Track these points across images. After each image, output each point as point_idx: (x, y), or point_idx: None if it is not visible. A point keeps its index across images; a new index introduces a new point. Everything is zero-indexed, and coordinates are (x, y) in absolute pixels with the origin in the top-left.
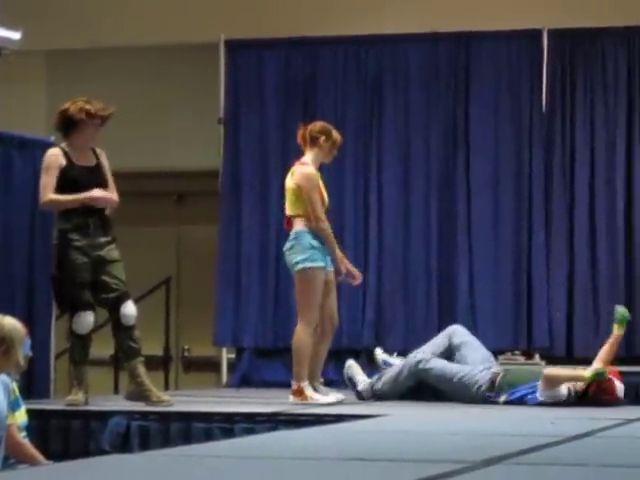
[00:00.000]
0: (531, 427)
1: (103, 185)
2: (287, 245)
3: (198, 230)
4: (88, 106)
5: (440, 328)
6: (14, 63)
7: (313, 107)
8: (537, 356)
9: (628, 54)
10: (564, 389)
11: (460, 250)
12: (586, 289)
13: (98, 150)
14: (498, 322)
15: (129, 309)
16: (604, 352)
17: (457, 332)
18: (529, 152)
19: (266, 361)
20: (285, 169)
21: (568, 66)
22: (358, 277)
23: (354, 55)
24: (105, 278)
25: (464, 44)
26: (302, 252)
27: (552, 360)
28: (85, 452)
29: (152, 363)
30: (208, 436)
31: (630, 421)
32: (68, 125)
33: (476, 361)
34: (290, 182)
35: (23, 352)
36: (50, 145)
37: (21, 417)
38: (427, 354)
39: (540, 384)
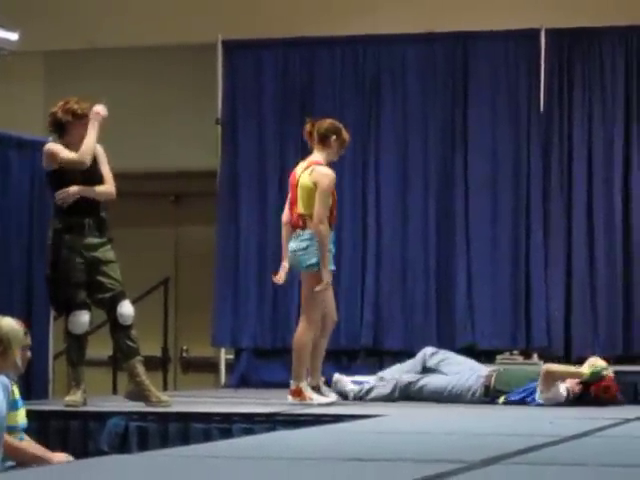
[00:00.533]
0: (529, 427)
1: (98, 181)
2: (299, 244)
3: (196, 231)
4: (75, 106)
5: (439, 328)
6: (12, 63)
7: (311, 107)
8: (535, 356)
9: (625, 53)
10: (563, 391)
11: (458, 250)
12: (584, 288)
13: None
14: (496, 322)
15: (126, 309)
16: (565, 370)
17: (430, 353)
18: (527, 151)
19: (264, 361)
20: (283, 169)
21: (566, 65)
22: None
23: (351, 55)
24: (100, 278)
25: (461, 44)
26: (317, 254)
27: (550, 360)
28: (84, 453)
29: (150, 364)
30: (207, 436)
31: (628, 420)
32: (58, 128)
33: (463, 370)
34: (307, 180)
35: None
36: None
37: (20, 419)
38: (410, 374)
39: (540, 380)
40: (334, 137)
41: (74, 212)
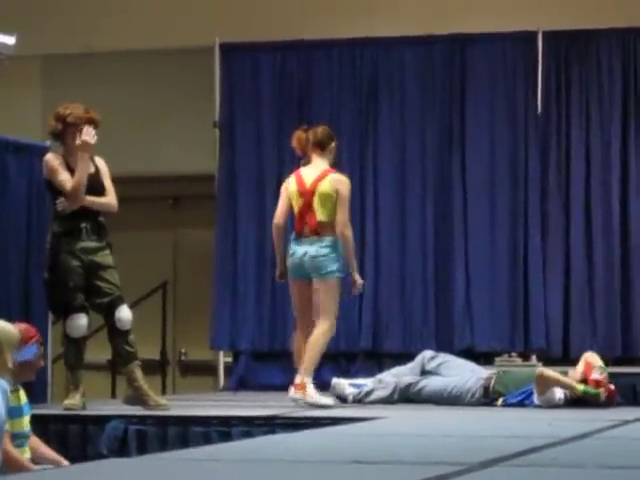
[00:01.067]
0: (528, 429)
1: (100, 191)
2: (320, 250)
3: (194, 234)
4: (67, 112)
5: (437, 330)
6: (9, 68)
7: (308, 110)
8: (534, 358)
9: (623, 55)
10: (559, 394)
11: (456, 252)
12: (582, 290)
13: (97, 158)
14: (495, 324)
15: (124, 313)
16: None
17: (429, 357)
18: (525, 154)
19: (263, 364)
20: (280, 172)
21: (563, 67)
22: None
23: (349, 58)
24: (98, 283)
25: (459, 46)
26: (337, 260)
27: (549, 361)
28: (83, 456)
29: (149, 367)
30: (206, 440)
31: (627, 422)
32: (55, 136)
33: (463, 372)
34: (328, 188)
35: (25, 357)
36: (45, 150)
37: (26, 425)
38: (409, 376)
39: (534, 383)
40: (332, 143)
41: (73, 216)
